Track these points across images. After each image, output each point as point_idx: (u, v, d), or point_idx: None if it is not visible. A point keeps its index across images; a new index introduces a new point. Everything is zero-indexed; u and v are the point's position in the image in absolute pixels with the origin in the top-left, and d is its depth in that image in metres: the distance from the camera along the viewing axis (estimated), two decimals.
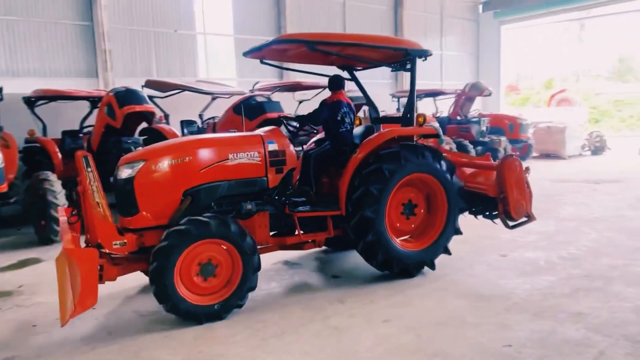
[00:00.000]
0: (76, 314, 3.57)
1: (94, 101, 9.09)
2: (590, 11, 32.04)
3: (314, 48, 4.75)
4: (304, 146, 5.84)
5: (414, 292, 4.75)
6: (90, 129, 9.11)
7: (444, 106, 15.44)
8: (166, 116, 10.17)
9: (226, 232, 4.12)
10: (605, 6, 23.05)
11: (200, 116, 10.84)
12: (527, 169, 5.52)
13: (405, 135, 5.25)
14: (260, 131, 4.99)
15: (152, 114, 8.40)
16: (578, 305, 4.29)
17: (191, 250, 4.07)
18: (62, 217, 4.79)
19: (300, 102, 12.30)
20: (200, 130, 10.44)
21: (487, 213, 5.69)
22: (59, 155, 8.45)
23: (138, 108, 7.91)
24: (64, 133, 9.09)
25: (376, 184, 4.82)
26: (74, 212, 4.43)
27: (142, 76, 12.06)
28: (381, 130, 5.41)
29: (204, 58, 14.15)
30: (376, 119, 5.92)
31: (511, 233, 6.48)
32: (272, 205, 4.83)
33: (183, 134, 9.96)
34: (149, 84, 9.85)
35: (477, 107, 15.66)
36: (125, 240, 4.16)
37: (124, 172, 4.33)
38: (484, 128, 14.15)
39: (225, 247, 4.20)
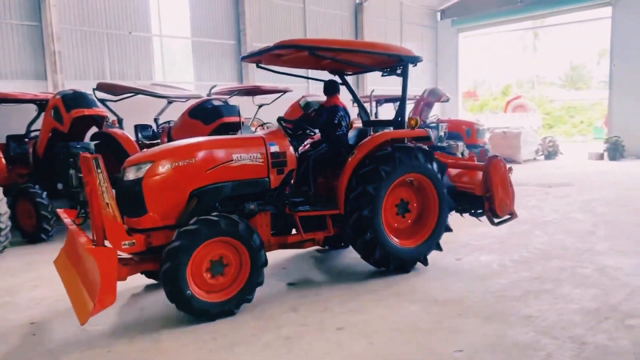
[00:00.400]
0: (96, 312, 3.64)
1: (42, 105, 8.68)
2: (543, 21, 33.28)
3: (315, 54, 4.91)
4: (299, 148, 5.93)
5: (368, 298, 4.71)
6: (37, 133, 8.71)
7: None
8: (119, 120, 9.81)
9: (235, 230, 4.24)
10: (557, 16, 23.97)
11: (156, 120, 10.53)
12: (511, 169, 5.87)
13: (398, 137, 5.49)
14: (262, 133, 5.12)
15: (103, 118, 8.10)
16: (528, 308, 4.35)
17: (202, 249, 4.16)
18: (67, 219, 4.85)
19: (260, 106, 12.16)
20: (156, 135, 10.15)
21: (473, 211, 5.99)
22: (3, 160, 8.02)
23: (87, 112, 7.60)
24: (9, 138, 8.63)
25: (373, 183, 5.04)
26: (81, 214, 4.58)
27: (94, 79, 11.70)
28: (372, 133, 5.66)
29: (160, 61, 13.82)
30: (366, 122, 6.13)
31: (466, 237, 6.58)
32: (273, 205, 4.97)
33: (137, 139, 9.66)
34: (101, 87, 9.48)
35: (436, 112, 15.92)
36: (134, 240, 4.18)
37: (132, 174, 4.37)
38: (442, 133, 14.36)
39: (233, 245, 4.31)
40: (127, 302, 4.82)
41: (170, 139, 9.49)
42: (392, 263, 5.25)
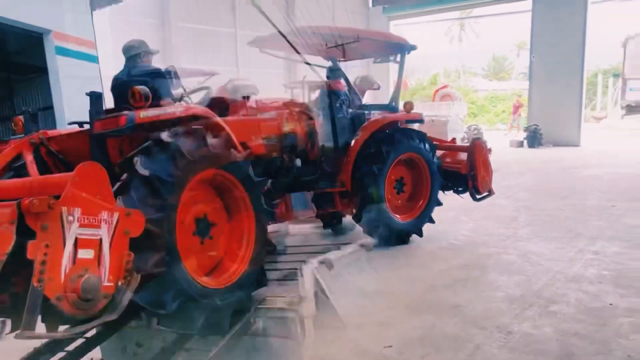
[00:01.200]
0: None
1: None
2: (469, 12, 34.42)
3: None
4: None
5: None
6: None
7: None
8: None
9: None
10: (482, 7, 24.83)
11: None
12: (490, 150, 6.55)
13: (399, 120, 6.13)
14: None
15: None
16: (456, 297, 4.32)
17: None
18: None
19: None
20: None
21: (455, 188, 6.62)
22: None
23: None
24: None
25: (388, 145, 5.64)
26: None
27: None
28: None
29: None
30: (361, 106, 6.67)
31: None
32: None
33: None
34: None
35: (368, 100, 15.92)
36: None
37: None
38: None
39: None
40: None
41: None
42: (395, 238, 5.77)
